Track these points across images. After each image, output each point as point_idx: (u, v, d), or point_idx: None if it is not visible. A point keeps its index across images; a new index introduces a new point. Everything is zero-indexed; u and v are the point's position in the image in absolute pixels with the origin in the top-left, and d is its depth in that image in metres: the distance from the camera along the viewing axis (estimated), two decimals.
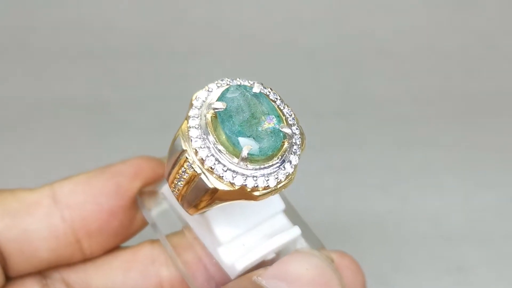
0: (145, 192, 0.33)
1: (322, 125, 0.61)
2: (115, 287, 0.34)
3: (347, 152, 0.58)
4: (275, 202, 0.32)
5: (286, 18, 0.73)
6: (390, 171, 0.56)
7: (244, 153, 0.26)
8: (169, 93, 0.66)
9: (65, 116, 0.64)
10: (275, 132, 0.27)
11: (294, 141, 0.28)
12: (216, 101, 0.27)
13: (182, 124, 0.28)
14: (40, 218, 0.32)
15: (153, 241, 0.35)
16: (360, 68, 0.68)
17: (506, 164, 0.57)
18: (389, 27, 0.71)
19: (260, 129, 0.27)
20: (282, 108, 0.28)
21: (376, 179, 0.56)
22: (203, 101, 0.28)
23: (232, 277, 0.30)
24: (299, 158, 0.28)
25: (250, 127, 0.27)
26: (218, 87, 0.28)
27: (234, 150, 0.27)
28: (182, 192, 0.28)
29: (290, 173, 0.27)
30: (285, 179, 0.27)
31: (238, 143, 0.27)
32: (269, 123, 0.27)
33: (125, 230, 0.34)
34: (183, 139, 0.27)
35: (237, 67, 0.69)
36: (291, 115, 0.28)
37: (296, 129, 0.28)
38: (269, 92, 0.29)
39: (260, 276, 0.28)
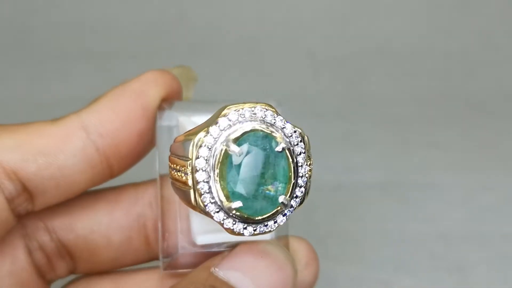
0: (163, 108, 0.33)
1: (322, 125, 0.61)
2: (100, 229, 0.34)
3: (347, 152, 0.58)
4: None
5: (286, 18, 0.73)
6: (390, 171, 0.56)
7: (234, 206, 0.27)
8: None
9: None
10: (272, 198, 0.27)
11: (289, 206, 0.28)
12: (235, 142, 0.27)
13: (200, 132, 0.28)
14: (75, 152, 0.32)
15: (136, 184, 0.35)
16: (360, 68, 0.69)
17: (506, 164, 0.57)
18: (390, 27, 0.71)
19: (261, 189, 0.27)
20: (299, 165, 0.28)
21: (376, 179, 0.56)
22: (221, 131, 0.28)
23: (195, 243, 0.32)
24: (287, 219, 0.28)
25: (251, 185, 0.27)
26: (240, 119, 0.28)
27: (228, 195, 0.27)
28: (174, 181, 0.29)
29: (271, 229, 0.28)
30: (262, 233, 0.28)
31: (233, 193, 0.27)
32: (271, 189, 0.27)
33: (150, 146, 0.34)
34: (193, 145, 0.27)
35: (237, 67, 0.69)
36: (305, 174, 0.28)
37: (304, 181, 0.28)
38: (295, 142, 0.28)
39: (217, 267, 0.29)
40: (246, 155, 0.27)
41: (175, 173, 0.28)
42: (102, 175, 0.33)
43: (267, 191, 0.27)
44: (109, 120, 0.32)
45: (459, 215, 0.52)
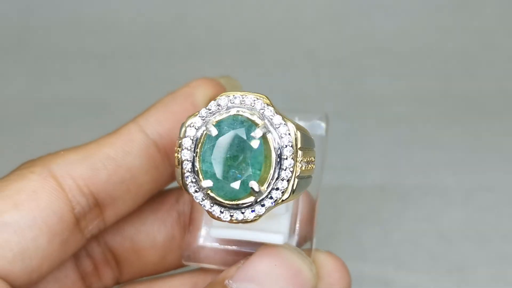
0: None
1: None
2: (145, 228, 0.35)
3: (347, 152, 0.58)
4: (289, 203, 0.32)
5: (286, 18, 0.73)
6: (390, 171, 0.56)
7: (204, 185, 0.27)
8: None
9: (65, 116, 0.64)
10: (243, 183, 0.27)
11: (268, 196, 0.28)
12: (215, 124, 0.28)
13: (192, 115, 0.29)
14: (140, 153, 0.33)
15: (178, 187, 0.37)
16: (360, 68, 0.69)
17: (506, 164, 0.57)
18: (389, 27, 0.71)
19: (231, 172, 0.27)
20: (284, 157, 0.28)
21: (376, 179, 0.56)
22: (210, 114, 0.28)
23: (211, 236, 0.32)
24: (266, 211, 0.28)
25: (223, 166, 0.27)
26: (229, 104, 0.28)
27: (202, 174, 0.28)
28: (175, 163, 0.29)
29: (249, 219, 0.28)
30: (240, 220, 0.28)
31: (206, 173, 0.28)
32: (242, 173, 0.27)
33: None
34: (184, 125, 0.28)
35: (237, 67, 0.69)
36: (290, 167, 0.28)
37: (286, 180, 0.28)
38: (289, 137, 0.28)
39: (231, 279, 0.29)
40: (221, 136, 0.28)
41: (175, 155, 0.29)
42: (165, 175, 0.34)
43: (238, 175, 0.27)
44: (165, 119, 0.34)
45: (459, 215, 0.52)
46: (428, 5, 0.72)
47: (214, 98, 0.35)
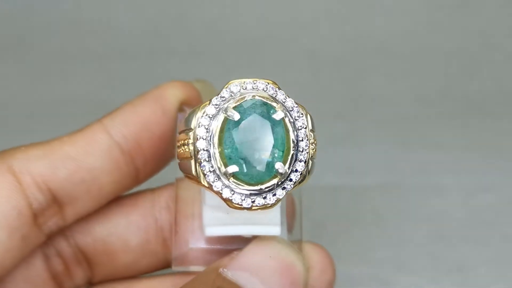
0: (183, 110, 0.34)
1: (322, 125, 0.61)
2: (117, 231, 0.35)
3: (347, 152, 0.58)
4: None
5: (286, 18, 0.73)
6: (390, 171, 0.56)
7: (230, 171, 0.27)
8: None
9: (65, 116, 0.64)
10: (269, 165, 0.27)
11: (288, 178, 0.28)
12: (234, 107, 0.28)
13: (198, 107, 0.29)
14: (102, 154, 0.32)
15: (152, 189, 0.36)
16: (360, 68, 0.69)
17: (506, 164, 0.57)
18: (389, 27, 0.71)
19: (257, 155, 0.27)
20: (300, 139, 0.28)
21: (376, 179, 0.56)
22: (223, 101, 0.28)
23: (204, 236, 0.32)
24: (286, 194, 0.28)
25: (248, 150, 0.27)
26: (242, 90, 0.29)
27: (224, 161, 0.28)
28: (179, 157, 0.29)
29: (269, 204, 0.28)
30: (261, 206, 0.28)
31: (230, 158, 0.27)
32: (267, 155, 0.27)
33: (171, 151, 0.34)
34: (195, 116, 0.28)
35: (237, 67, 0.69)
36: (306, 148, 0.28)
37: (302, 162, 0.28)
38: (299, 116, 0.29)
39: (226, 268, 0.29)
40: (243, 120, 0.28)
41: (181, 149, 0.29)
42: (129, 178, 0.34)
43: (263, 157, 0.27)
44: (131, 122, 0.33)
45: (459, 215, 0.52)
46: (428, 5, 0.72)
47: (187, 101, 0.35)
